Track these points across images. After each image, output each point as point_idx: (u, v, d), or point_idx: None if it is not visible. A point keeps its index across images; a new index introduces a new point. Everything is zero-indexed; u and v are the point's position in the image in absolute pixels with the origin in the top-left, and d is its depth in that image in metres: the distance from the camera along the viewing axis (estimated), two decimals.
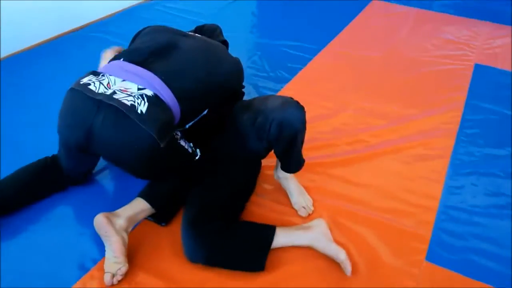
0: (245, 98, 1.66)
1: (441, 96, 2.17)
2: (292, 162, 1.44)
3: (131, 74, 1.24)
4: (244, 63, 2.30)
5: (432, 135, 1.88)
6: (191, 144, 1.40)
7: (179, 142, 1.33)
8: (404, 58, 2.53)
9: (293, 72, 2.33)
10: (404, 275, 1.26)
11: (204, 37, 1.52)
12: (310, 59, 2.47)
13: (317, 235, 1.30)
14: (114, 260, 1.18)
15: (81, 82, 1.23)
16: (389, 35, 2.82)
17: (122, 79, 1.23)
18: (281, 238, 1.28)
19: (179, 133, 1.35)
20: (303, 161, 1.47)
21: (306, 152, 1.71)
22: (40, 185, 1.42)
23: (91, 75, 1.25)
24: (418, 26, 2.96)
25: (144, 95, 1.20)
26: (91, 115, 1.18)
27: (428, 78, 2.33)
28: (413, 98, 2.14)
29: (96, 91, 1.19)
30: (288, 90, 2.17)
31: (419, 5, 3.32)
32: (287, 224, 1.40)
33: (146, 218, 1.37)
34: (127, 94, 1.19)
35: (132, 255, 1.27)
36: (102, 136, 1.19)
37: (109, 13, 2.82)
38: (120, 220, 1.24)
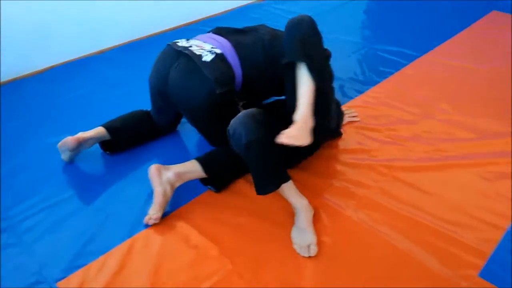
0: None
1: None
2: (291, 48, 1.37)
3: (210, 39, 1.53)
4: (336, 65, 2.38)
5: None
6: None
7: (240, 109, 1.48)
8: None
9: (384, 76, 2.31)
10: (450, 285, 1.22)
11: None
12: (405, 65, 2.41)
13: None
14: (152, 207, 1.41)
15: (174, 41, 1.56)
16: (503, 48, 2.60)
17: (203, 41, 1.52)
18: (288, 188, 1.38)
19: (240, 103, 1.51)
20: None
21: (376, 153, 1.74)
22: (143, 129, 1.76)
23: (184, 39, 1.58)
24: None
25: (213, 51, 1.46)
26: (171, 63, 1.48)
27: None
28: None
29: (180, 45, 1.51)
30: (374, 93, 2.16)
31: None
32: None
33: (208, 188, 1.54)
34: (200, 48, 1.47)
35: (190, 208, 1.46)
36: (173, 79, 1.47)
37: (224, 10, 3.11)
38: (169, 173, 1.44)
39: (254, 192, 1.53)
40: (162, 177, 1.43)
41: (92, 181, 1.66)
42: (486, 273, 1.25)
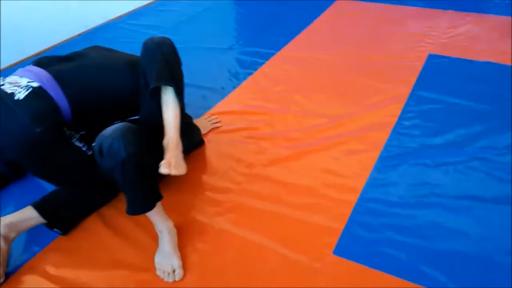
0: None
1: (386, 91, 2.16)
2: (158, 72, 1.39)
3: (27, 72, 1.40)
4: (198, 74, 2.38)
5: (368, 130, 1.87)
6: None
7: (74, 142, 1.39)
8: (357, 57, 2.52)
9: (244, 78, 2.37)
10: (306, 270, 1.27)
11: (121, 53, 1.60)
12: (262, 64, 2.50)
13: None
14: None
15: None
16: (347, 34, 2.82)
17: (19, 76, 1.38)
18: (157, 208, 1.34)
19: (76, 135, 1.41)
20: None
21: (239, 155, 1.77)
22: None
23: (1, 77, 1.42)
24: (379, 22, 2.95)
25: (29, 86, 1.34)
26: None
27: (377, 74, 2.32)
28: (357, 96, 2.13)
29: None
30: (234, 96, 2.20)
31: (389, 0, 3.29)
32: None
33: (53, 230, 1.43)
34: (14, 85, 1.34)
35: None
36: None
37: (71, 35, 2.93)
38: (1, 226, 1.30)
39: (107, 228, 1.47)
40: None
41: None
42: (339, 250, 1.33)
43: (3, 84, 1.35)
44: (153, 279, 1.29)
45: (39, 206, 1.38)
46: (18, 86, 1.33)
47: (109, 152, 1.22)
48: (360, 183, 1.58)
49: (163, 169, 1.22)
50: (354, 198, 1.52)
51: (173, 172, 1.23)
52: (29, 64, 1.46)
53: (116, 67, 1.48)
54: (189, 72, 2.34)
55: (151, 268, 1.32)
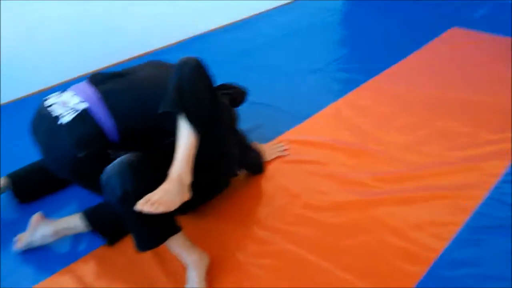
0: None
1: (489, 143, 1.81)
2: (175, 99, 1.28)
3: (79, 90, 1.38)
4: (272, 95, 2.27)
5: (456, 189, 1.58)
6: None
7: None
8: (460, 97, 2.18)
9: (325, 105, 2.19)
10: None
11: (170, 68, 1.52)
12: (349, 91, 2.30)
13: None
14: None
15: (49, 96, 1.43)
16: (453, 68, 2.48)
17: (73, 94, 1.38)
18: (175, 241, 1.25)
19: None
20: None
21: (298, 190, 1.61)
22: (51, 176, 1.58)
23: (58, 92, 1.44)
24: (495, 59, 2.55)
25: (75, 109, 1.32)
26: (38, 124, 1.38)
27: (481, 121, 1.97)
28: (451, 144, 1.83)
29: (46, 103, 1.38)
30: (310, 123, 2.05)
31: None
32: None
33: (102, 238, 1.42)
34: (63, 106, 1.34)
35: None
36: (38, 142, 1.37)
37: (170, 42, 3.04)
38: (47, 229, 1.37)
39: None
40: (37, 230, 1.36)
41: None
42: None
43: (54, 104, 1.35)
44: None
45: (89, 216, 1.39)
46: (66, 107, 1.33)
47: (106, 189, 1.19)
48: (431, 255, 1.32)
49: (139, 205, 1.12)
50: (420, 272, 1.27)
51: (146, 210, 1.11)
52: (86, 79, 1.45)
53: (162, 87, 1.36)
54: (268, 91, 2.30)
55: None
